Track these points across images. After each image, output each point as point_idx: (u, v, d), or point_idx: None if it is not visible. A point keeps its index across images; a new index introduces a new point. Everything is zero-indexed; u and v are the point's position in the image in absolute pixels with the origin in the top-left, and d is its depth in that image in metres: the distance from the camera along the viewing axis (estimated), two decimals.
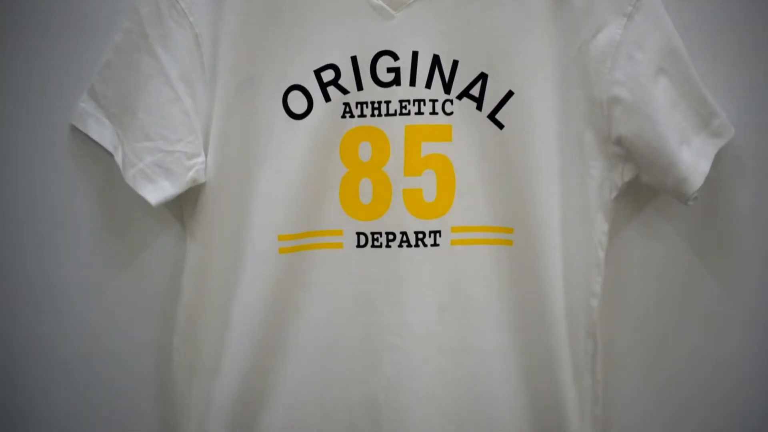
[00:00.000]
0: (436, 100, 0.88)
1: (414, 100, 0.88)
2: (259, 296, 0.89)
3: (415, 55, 0.87)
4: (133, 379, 0.96)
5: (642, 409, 0.97)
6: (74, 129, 0.92)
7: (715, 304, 0.95)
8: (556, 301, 0.89)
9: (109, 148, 0.90)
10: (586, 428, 0.93)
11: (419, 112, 0.88)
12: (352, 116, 0.88)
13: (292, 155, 0.88)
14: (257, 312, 0.89)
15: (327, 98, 0.88)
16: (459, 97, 0.88)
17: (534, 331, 0.90)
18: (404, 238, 0.89)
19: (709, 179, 0.89)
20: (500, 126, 0.88)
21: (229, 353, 0.89)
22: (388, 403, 0.90)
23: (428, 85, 0.88)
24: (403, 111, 0.88)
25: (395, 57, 0.87)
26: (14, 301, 0.95)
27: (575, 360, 0.91)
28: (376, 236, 0.89)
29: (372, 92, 0.88)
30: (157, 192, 0.87)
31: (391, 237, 0.89)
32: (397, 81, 0.88)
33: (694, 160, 0.87)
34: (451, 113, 0.88)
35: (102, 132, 0.90)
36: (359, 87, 0.88)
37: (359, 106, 0.88)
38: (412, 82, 0.88)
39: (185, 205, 0.92)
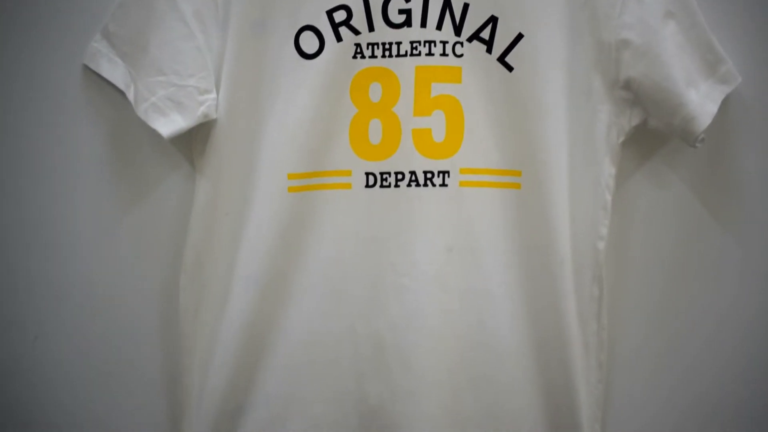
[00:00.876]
0: (447, 42, 0.89)
1: (425, 42, 0.89)
2: (267, 235, 0.89)
3: None
4: (139, 318, 0.97)
5: (647, 356, 0.97)
6: (86, 69, 0.92)
7: (720, 252, 0.96)
8: (563, 244, 0.90)
9: (121, 86, 0.90)
10: (591, 374, 0.94)
11: (429, 53, 0.89)
12: (363, 57, 0.89)
13: (303, 95, 0.88)
14: (265, 250, 0.89)
15: (338, 38, 0.88)
16: (469, 40, 0.89)
17: (540, 274, 0.91)
18: (413, 178, 0.89)
19: (715, 129, 0.90)
20: (510, 69, 0.89)
21: (235, 292, 0.90)
22: (394, 343, 0.90)
23: (439, 27, 0.89)
24: (414, 52, 0.89)
25: None
26: (23, 238, 0.96)
27: (581, 304, 0.92)
28: (384, 176, 0.90)
29: (383, 33, 0.89)
30: (169, 125, 0.87)
31: (399, 177, 0.90)
32: (408, 22, 0.89)
33: (701, 101, 0.88)
34: (461, 55, 0.89)
35: (114, 71, 0.91)
36: (371, 28, 0.88)
37: (370, 47, 0.89)
38: (423, 24, 0.88)
39: (195, 144, 0.93)
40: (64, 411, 0.97)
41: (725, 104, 0.90)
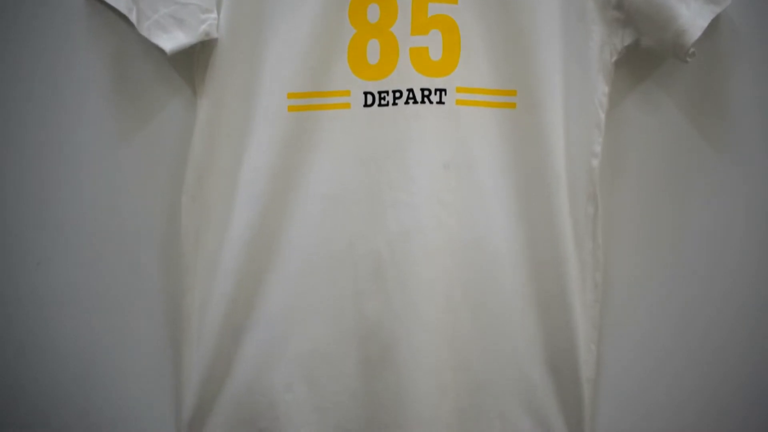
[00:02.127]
0: None
1: None
2: (267, 154, 0.90)
3: None
4: (141, 241, 0.97)
5: (641, 275, 0.99)
6: None
7: (712, 169, 0.98)
8: (558, 162, 0.91)
9: (124, 11, 0.90)
10: (586, 294, 0.96)
11: None
12: None
13: (302, 16, 0.89)
14: (265, 170, 0.91)
15: None
16: None
17: (536, 192, 0.92)
18: (410, 95, 0.91)
19: (705, 52, 0.93)
20: None
21: (236, 211, 0.91)
22: (392, 259, 0.92)
23: None
24: None
25: None
26: (26, 164, 0.97)
27: (576, 223, 0.94)
28: (383, 95, 0.91)
29: None
30: (171, 41, 0.88)
31: (397, 95, 0.91)
32: None
33: (692, 15, 0.89)
34: None
35: None
36: None
37: None
38: None
39: (197, 67, 0.94)
40: (64, 336, 0.98)
41: (716, 26, 0.92)
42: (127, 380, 0.99)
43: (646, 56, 0.94)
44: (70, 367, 0.99)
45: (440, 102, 0.91)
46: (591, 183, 0.94)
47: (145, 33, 0.89)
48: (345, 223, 0.92)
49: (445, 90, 0.91)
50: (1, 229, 0.98)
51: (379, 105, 0.91)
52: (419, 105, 0.91)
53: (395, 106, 0.91)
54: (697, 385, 1.00)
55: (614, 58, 0.93)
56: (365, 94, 0.91)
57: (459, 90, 0.91)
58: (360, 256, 0.93)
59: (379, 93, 0.91)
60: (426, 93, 0.91)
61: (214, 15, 0.90)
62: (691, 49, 0.89)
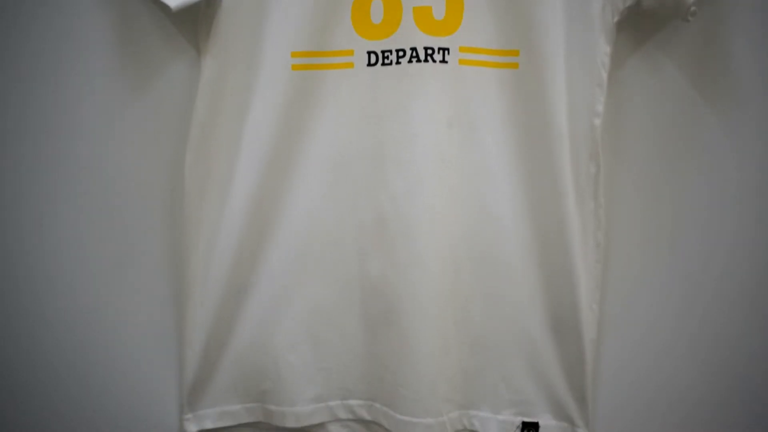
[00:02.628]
0: None
1: None
2: (270, 113, 0.91)
3: None
4: (144, 200, 0.98)
5: (643, 236, 0.99)
6: None
7: (713, 130, 0.99)
8: (560, 120, 0.92)
9: None
10: (588, 253, 0.96)
11: None
12: None
13: None
14: (269, 129, 0.91)
15: None
16: None
17: (538, 151, 0.93)
18: (414, 54, 0.91)
19: (707, 17, 0.94)
20: None
21: (240, 169, 0.91)
22: (396, 216, 0.92)
23: None
24: None
25: None
26: (29, 123, 0.97)
27: (578, 183, 0.94)
28: (386, 54, 0.92)
29: None
30: None
31: (401, 54, 0.92)
32: None
33: None
34: None
35: None
36: None
37: None
38: None
39: (200, 27, 0.94)
40: (66, 293, 0.99)
41: None
42: (129, 341, 1.00)
43: (647, 19, 0.95)
44: (71, 324, 0.99)
45: (443, 61, 0.91)
46: (593, 142, 0.94)
47: None
48: (348, 181, 0.93)
49: (448, 49, 0.91)
50: (2, 184, 0.98)
51: (383, 64, 0.92)
52: (422, 64, 0.91)
53: (398, 65, 0.91)
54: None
55: (616, 19, 0.93)
56: (369, 53, 0.92)
57: (462, 50, 0.92)
58: (363, 214, 0.93)
59: (383, 52, 0.92)
60: (429, 52, 0.91)
61: None
62: (692, 7, 0.90)
